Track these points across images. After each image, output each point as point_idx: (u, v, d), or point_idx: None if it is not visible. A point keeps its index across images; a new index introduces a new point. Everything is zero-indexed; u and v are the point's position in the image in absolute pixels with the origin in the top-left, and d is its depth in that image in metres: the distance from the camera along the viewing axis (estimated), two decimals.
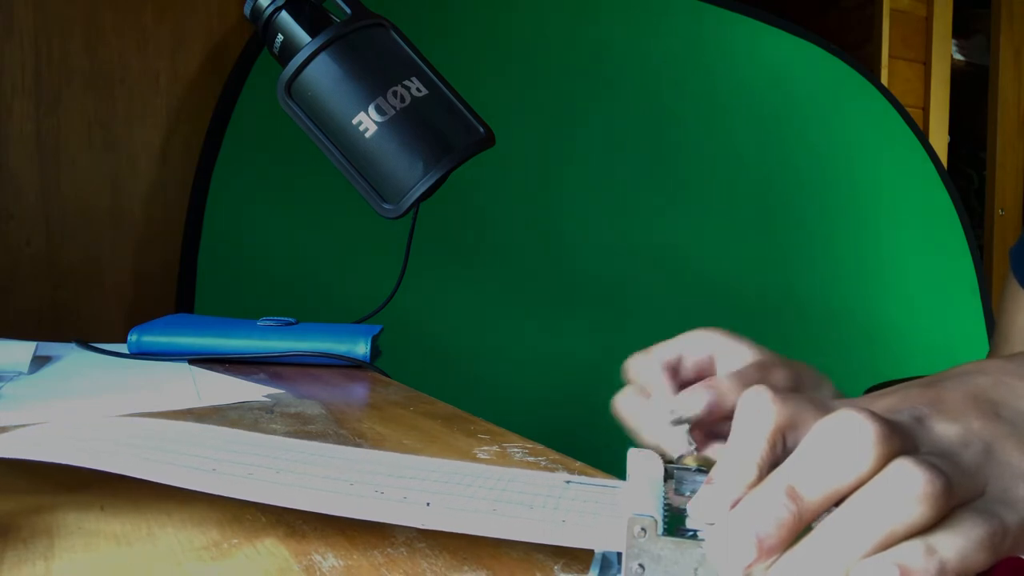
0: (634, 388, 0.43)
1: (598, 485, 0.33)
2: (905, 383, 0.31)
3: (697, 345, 0.42)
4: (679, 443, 0.37)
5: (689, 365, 0.42)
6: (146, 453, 0.34)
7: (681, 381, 0.42)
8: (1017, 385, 0.30)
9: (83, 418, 0.43)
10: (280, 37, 0.60)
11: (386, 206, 0.59)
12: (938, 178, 1.86)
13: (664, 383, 0.40)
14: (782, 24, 1.71)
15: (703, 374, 0.42)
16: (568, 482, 0.33)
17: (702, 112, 1.62)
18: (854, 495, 0.24)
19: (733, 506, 0.25)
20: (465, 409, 0.56)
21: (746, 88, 1.66)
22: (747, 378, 0.39)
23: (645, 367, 0.42)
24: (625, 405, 0.42)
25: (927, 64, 2.04)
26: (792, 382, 0.41)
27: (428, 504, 0.29)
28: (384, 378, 0.72)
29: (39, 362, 0.69)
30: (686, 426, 0.37)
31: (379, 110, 0.57)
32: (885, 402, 0.29)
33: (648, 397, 0.41)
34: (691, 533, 0.25)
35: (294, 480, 0.32)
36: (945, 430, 0.27)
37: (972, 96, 2.20)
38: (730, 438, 0.27)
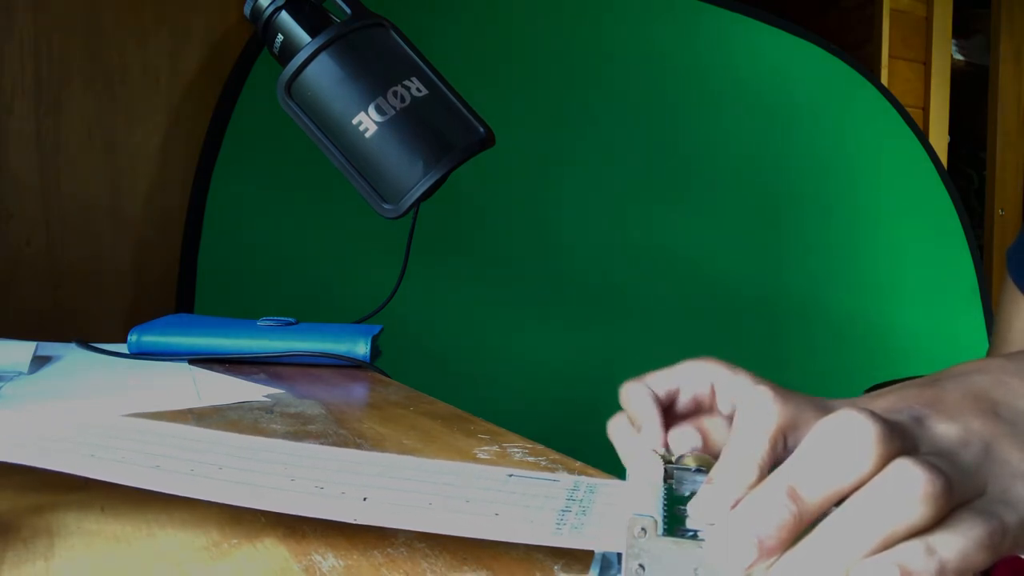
0: (625, 415, 0.40)
1: (539, 479, 0.33)
2: (904, 383, 0.31)
3: (696, 377, 0.40)
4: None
5: (688, 398, 0.40)
6: (88, 450, 0.34)
7: (677, 414, 0.39)
8: (1016, 384, 0.30)
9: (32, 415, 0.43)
10: (280, 37, 0.60)
11: (386, 206, 0.59)
12: (938, 178, 1.86)
13: (654, 419, 0.37)
14: (782, 24, 1.71)
15: (702, 408, 0.40)
16: (510, 476, 0.33)
17: (702, 112, 1.62)
18: (854, 495, 0.24)
19: (734, 506, 0.25)
20: (465, 409, 0.56)
21: (746, 88, 1.66)
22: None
23: (637, 397, 0.39)
24: (615, 433, 0.40)
25: (927, 64, 2.03)
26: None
27: (365, 499, 0.30)
28: (384, 378, 0.72)
29: (39, 362, 0.69)
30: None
31: (379, 110, 0.57)
32: (884, 402, 0.29)
33: (637, 428, 0.39)
34: (691, 533, 0.25)
35: (234, 476, 0.32)
36: (945, 430, 0.27)
37: (972, 96, 2.20)
38: (731, 438, 0.27)
